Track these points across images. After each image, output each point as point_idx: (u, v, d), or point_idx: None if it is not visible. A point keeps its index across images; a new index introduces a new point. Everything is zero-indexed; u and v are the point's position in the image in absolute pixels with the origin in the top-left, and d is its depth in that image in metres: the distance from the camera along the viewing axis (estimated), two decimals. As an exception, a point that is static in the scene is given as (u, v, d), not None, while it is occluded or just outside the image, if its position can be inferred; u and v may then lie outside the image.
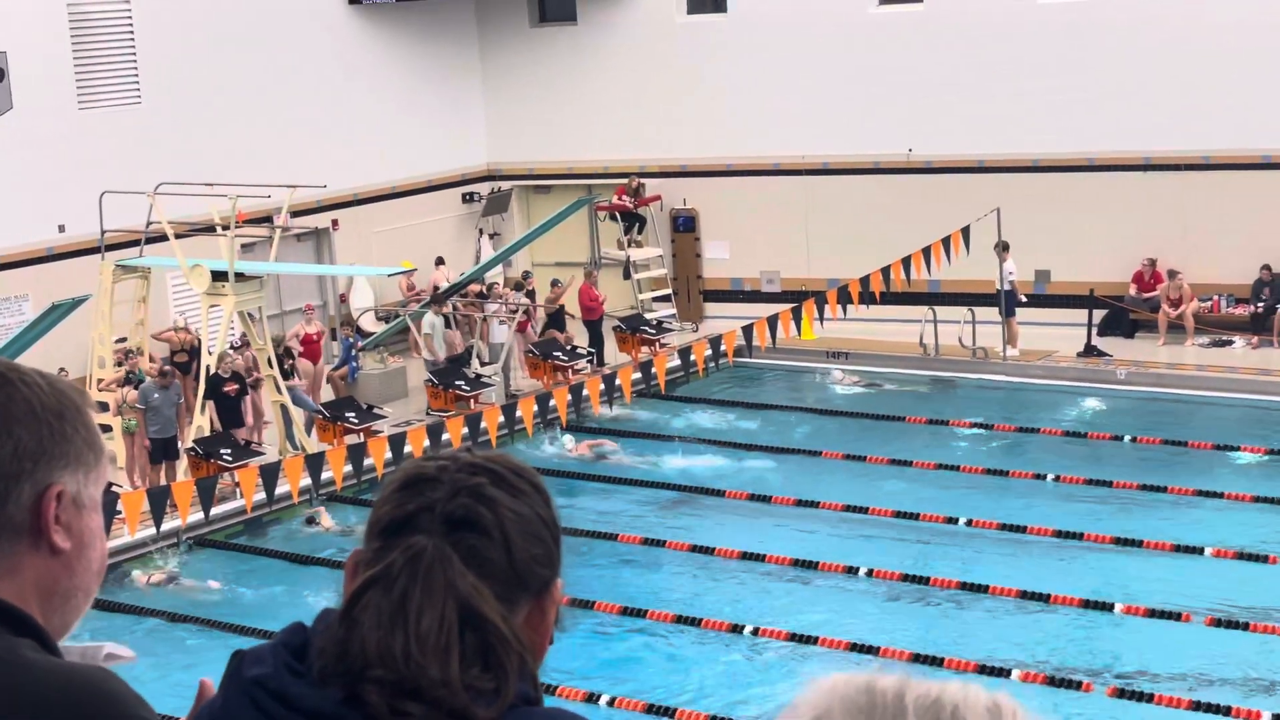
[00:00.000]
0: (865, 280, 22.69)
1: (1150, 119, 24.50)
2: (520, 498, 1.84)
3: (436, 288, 25.58)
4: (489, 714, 1.71)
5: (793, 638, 14.37)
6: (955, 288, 24.55)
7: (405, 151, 27.62)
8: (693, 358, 22.81)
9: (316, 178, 22.82)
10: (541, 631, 1.86)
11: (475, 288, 25.91)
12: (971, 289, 24.33)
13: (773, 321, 22.20)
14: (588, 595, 15.59)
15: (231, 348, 21.16)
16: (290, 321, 24.60)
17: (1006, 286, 23.98)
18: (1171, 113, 24.39)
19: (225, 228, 20.29)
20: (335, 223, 26.49)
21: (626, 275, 27.66)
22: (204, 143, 24.02)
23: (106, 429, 20.98)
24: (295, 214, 23.90)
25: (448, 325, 24.39)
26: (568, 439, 21.09)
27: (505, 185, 29.48)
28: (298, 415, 20.92)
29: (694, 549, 16.82)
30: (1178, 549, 15.91)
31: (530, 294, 26.04)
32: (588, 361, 24.47)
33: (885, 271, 22.79)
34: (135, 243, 22.06)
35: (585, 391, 21.15)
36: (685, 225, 28.43)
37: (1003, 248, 23.79)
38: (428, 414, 22.10)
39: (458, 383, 22.77)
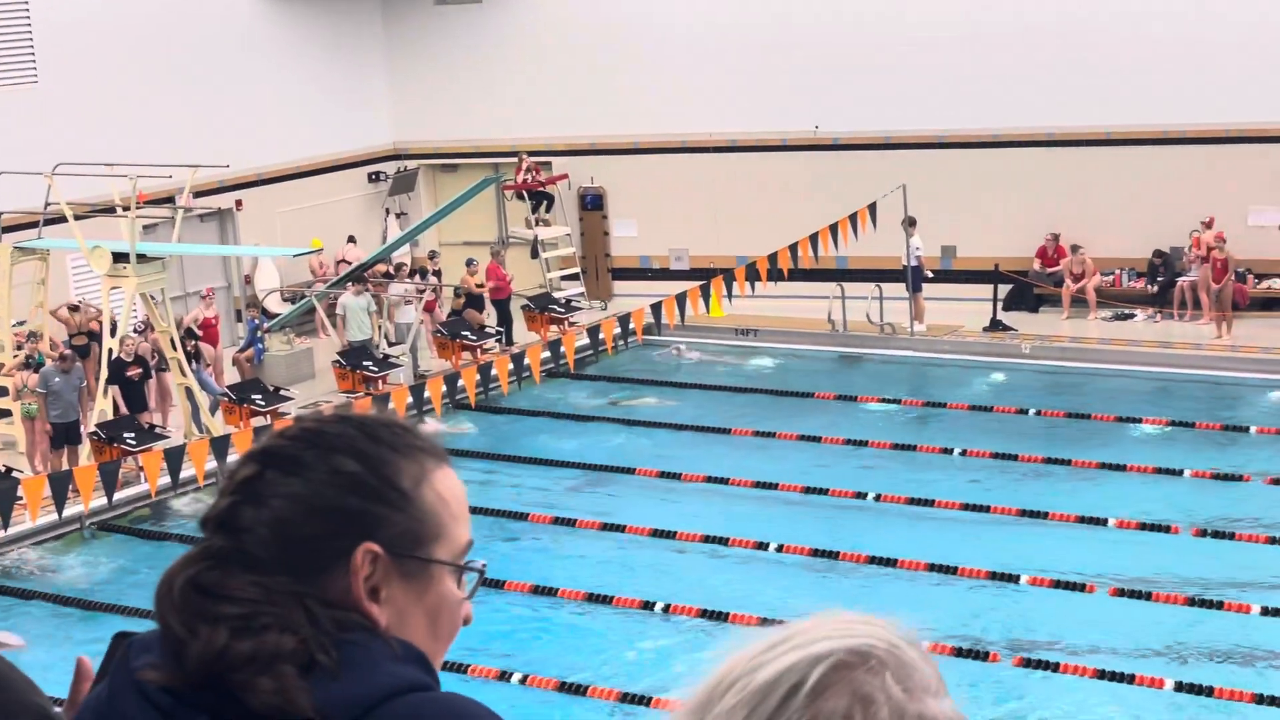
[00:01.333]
0: (773, 257, 22.75)
1: (1053, 95, 24.77)
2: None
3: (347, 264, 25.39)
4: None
5: (704, 614, 14.40)
6: (863, 264, 24.69)
7: (309, 131, 27.34)
8: (601, 336, 22.80)
9: (219, 158, 22.51)
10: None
11: (381, 267, 25.71)
12: (879, 265, 24.48)
13: (681, 299, 22.20)
14: (498, 575, 15.54)
15: (135, 331, 20.86)
16: (194, 303, 24.29)
17: (913, 262, 24.15)
18: (1073, 89, 24.66)
19: (126, 209, 19.97)
20: (239, 203, 26.17)
21: (534, 254, 27.56)
22: (103, 122, 23.63)
23: (6, 414, 20.65)
24: (198, 194, 23.57)
25: (378, 308, 24.19)
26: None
27: (411, 164, 29.27)
28: (203, 398, 20.68)
29: (605, 527, 16.81)
30: (1082, 520, 16.10)
31: (437, 274, 25.89)
32: (496, 341, 24.37)
33: (793, 248, 22.86)
34: (33, 224, 21.67)
35: (494, 371, 21.07)
36: (593, 203, 28.38)
37: (909, 223, 23.95)
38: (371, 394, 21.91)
39: (365, 363, 22.60)
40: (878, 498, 17.19)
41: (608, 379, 23.27)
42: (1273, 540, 15.30)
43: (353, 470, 1.80)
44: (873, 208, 23.43)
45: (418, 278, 25.27)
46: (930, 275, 24.68)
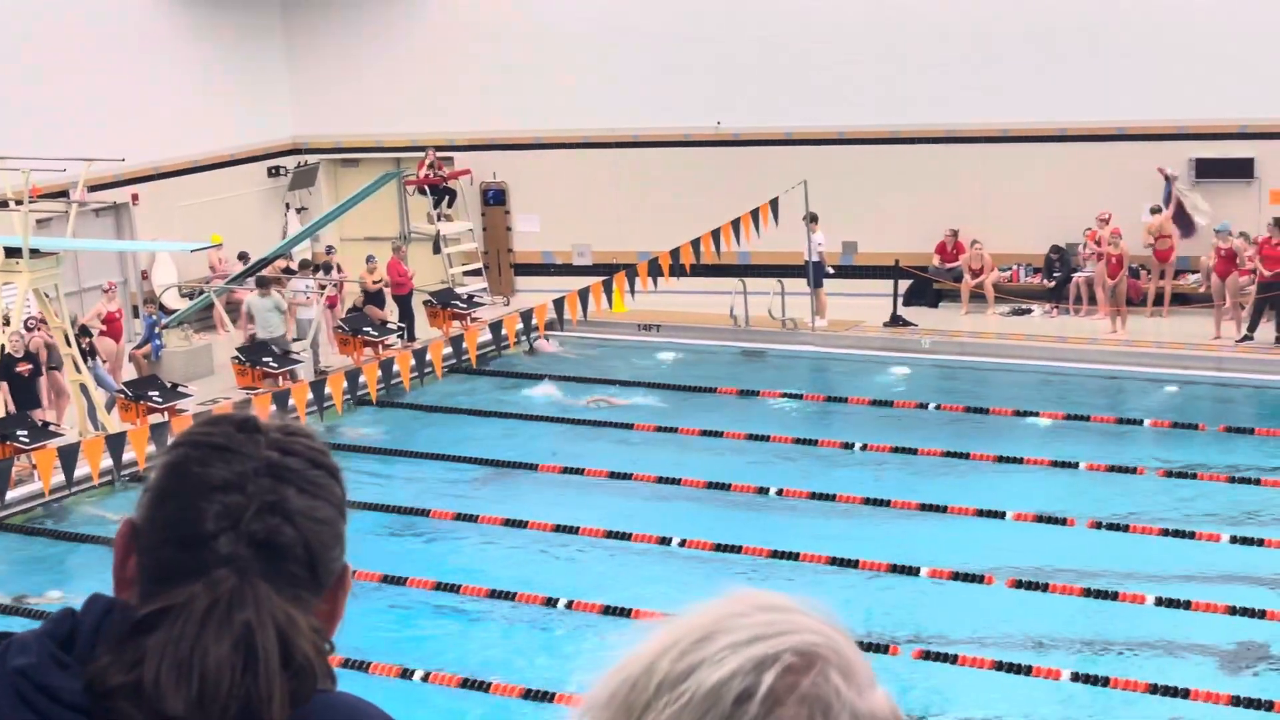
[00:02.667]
0: (676, 253, 22.80)
1: (951, 93, 25.02)
2: (319, 495, 1.80)
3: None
4: None
5: (607, 610, 14.40)
6: (764, 259, 24.81)
7: (208, 124, 27.01)
8: (504, 332, 22.73)
9: (114, 151, 22.17)
10: (335, 614, 1.83)
11: (281, 263, 25.47)
12: (780, 261, 24.61)
13: (584, 295, 22.19)
14: (400, 571, 15.46)
15: (26, 327, 20.51)
16: (90, 299, 23.93)
17: (815, 258, 24.30)
18: (971, 87, 24.93)
19: (19, 202, 19.61)
20: (135, 197, 25.80)
21: (436, 249, 27.43)
22: (-6, 114, 23.20)
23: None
24: (92, 188, 23.23)
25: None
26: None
27: (312, 159, 29.02)
28: (99, 395, 20.37)
29: (507, 523, 16.76)
30: (980, 513, 16.27)
31: (336, 268, 25.68)
32: (398, 336, 24.23)
33: (695, 244, 22.93)
34: (-77, 218, 21.25)
35: (396, 367, 20.95)
36: (495, 199, 28.29)
37: (811, 219, 24.10)
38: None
39: (265, 360, 22.38)
40: (780, 492, 17.28)
41: (510, 374, 23.21)
42: (1166, 532, 15.55)
43: (341, 490, 1.85)
44: (774, 203, 23.55)
45: (320, 273, 25.05)
46: (831, 271, 24.86)
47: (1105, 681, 12.57)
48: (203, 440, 1.80)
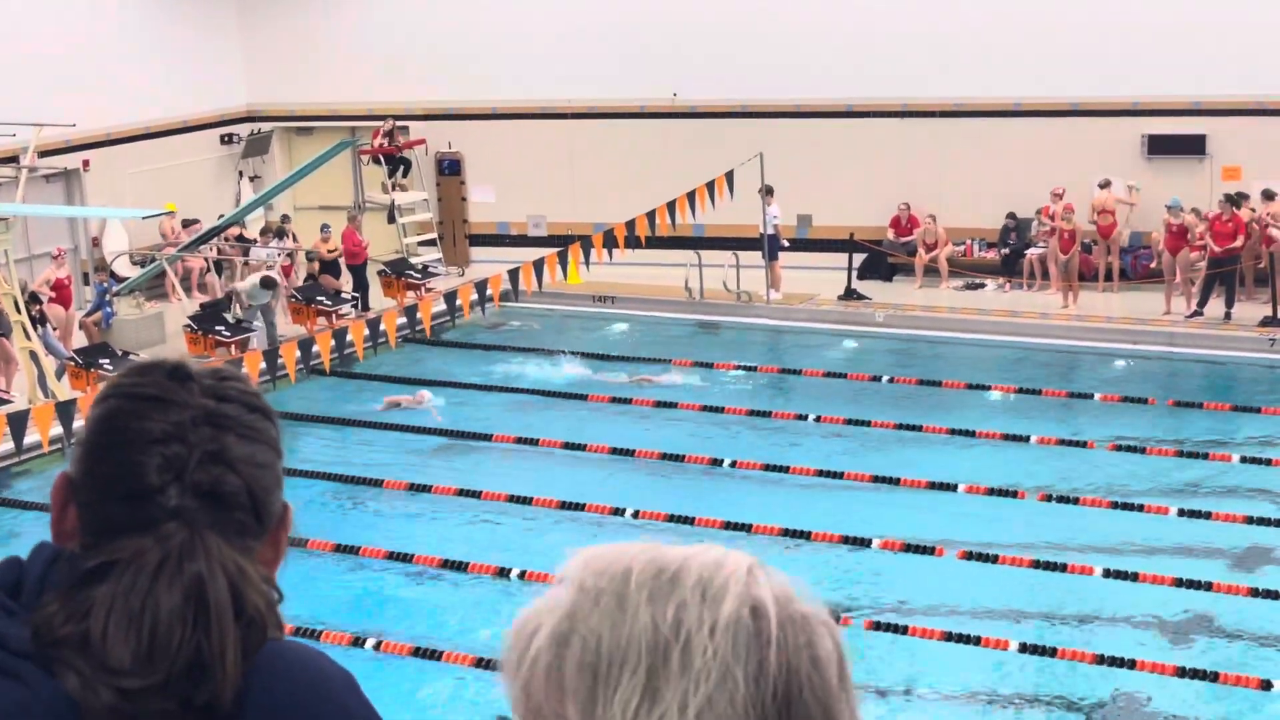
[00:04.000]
0: (631, 224, 22.80)
1: (906, 67, 25.07)
2: (258, 439, 1.80)
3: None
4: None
5: (560, 581, 14.39)
6: (719, 232, 24.83)
7: (161, 90, 26.78)
8: (458, 302, 22.68)
9: (65, 116, 21.98)
10: (279, 554, 1.83)
11: (235, 231, 25.33)
12: (735, 233, 24.63)
13: (539, 265, 22.17)
14: (353, 541, 15.45)
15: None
16: (40, 265, 23.73)
17: (770, 230, 24.34)
18: (926, 62, 24.98)
19: (-32, 167, 19.43)
20: (86, 163, 25.58)
21: (391, 219, 27.33)
22: (-56, 79, 22.95)
23: None
24: (43, 154, 23.03)
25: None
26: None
27: (265, 127, 28.83)
28: (49, 362, 20.22)
29: (461, 493, 16.75)
30: (932, 486, 16.36)
31: (291, 237, 25.56)
32: (352, 306, 24.14)
33: (651, 216, 22.92)
34: None
35: (349, 336, 20.88)
36: (450, 169, 28.19)
37: (767, 191, 24.13)
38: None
39: (217, 328, 22.26)
40: (733, 464, 17.33)
41: (464, 345, 23.17)
42: (1115, 505, 15.68)
43: (276, 431, 1.84)
44: (730, 176, 23.56)
45: (275, 241, 24.92)
46: (786, 244, 24.90)
47: (1053, 652, 12.68)
48: (134, 392, 1.78)
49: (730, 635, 1.41)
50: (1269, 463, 16.60)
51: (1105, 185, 24.10)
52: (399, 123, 27.74)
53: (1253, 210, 22.90)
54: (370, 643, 13.27)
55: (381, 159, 27.58)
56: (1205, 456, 17.05)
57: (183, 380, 1.79)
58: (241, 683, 1.68)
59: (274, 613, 1.75)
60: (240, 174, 28.34)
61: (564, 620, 1.47)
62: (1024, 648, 12.79)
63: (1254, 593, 13.43)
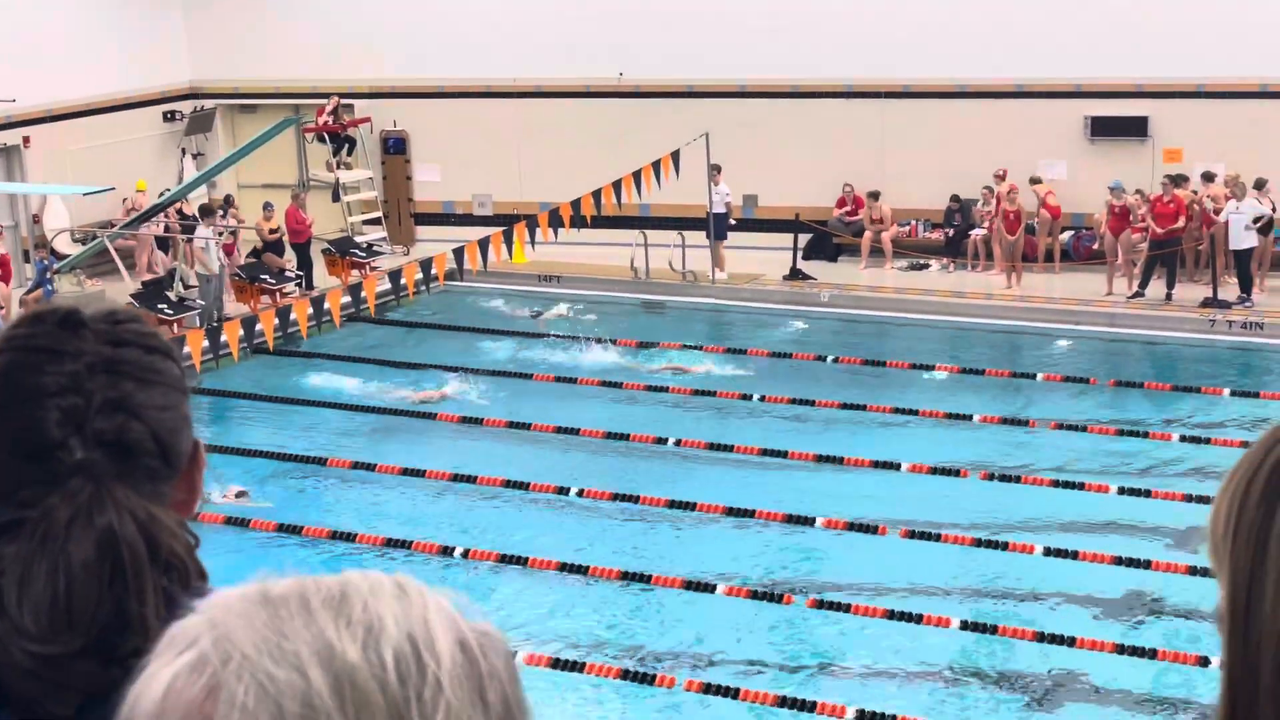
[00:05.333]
0: (577, 204, 22.77)
1: (852, 48, 25.11)
2: (159, 381, 1.76)
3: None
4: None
5: (503, 559, 14.41)
6: (665, 212, 24.83)
7: (103, 67, 26.52)
8: (403, 281, 22.61)
9: (5, 92, 21.73)
10: (193, 493, 1.79)
11: (179, 207, 25.13)
12: (681, 213, 24.64)
13: (484, 245, 22.12)
14: (296, 519, 15.39)
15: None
16: (-21, 243, 23.48)
17: (721, 209, 24.38)
18: (872, 42, 25.03)
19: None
20: (26, 140, 25.30)
21: (336, 198, 27.19)
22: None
23: None
24: (-18, 130, 22.75)
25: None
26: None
27: (209, 104, 28.61)
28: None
29: (405, 472, 16.70)
30: (876, 465, 16.43)
31: (231, 212, 25.37)
32: (296, 285, 24.00)
33: (596, 195, 22.90)
34: None
35: (293, 315, 20.77)
36: (396, 147, 28.06)
37: (715, 170, 24.16)
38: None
39: (160, 306, 22.08)
40: (678, 443, 17.35)
41: (409, 324, 23.10)
42: (1056, 483, 15.80)
43: (178, 369, 1.79)
44: (676, 156, 23.56)
45: (219, 218, 24.75)
46: (733, 223, 24.93)
47: (994, 630, 12.77)
48: (26, 344, 1.74)
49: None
50: (1208, 442, 16.75)
51: (1037, 182, 24.24)
52: (344, 101, 27.57)
53: (1194, 193, 23.08)
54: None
55: (326, 137, 27.42)
56: (1146, 436, 17.20)
57: (75, 328, 1.74)
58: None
59: (195, 559, 1.71)
60: (183, 151, 28.11)
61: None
62: (965, 625, 12.87)
63: (1193, 571, 13.55)
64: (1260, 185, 22.47)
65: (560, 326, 22.66)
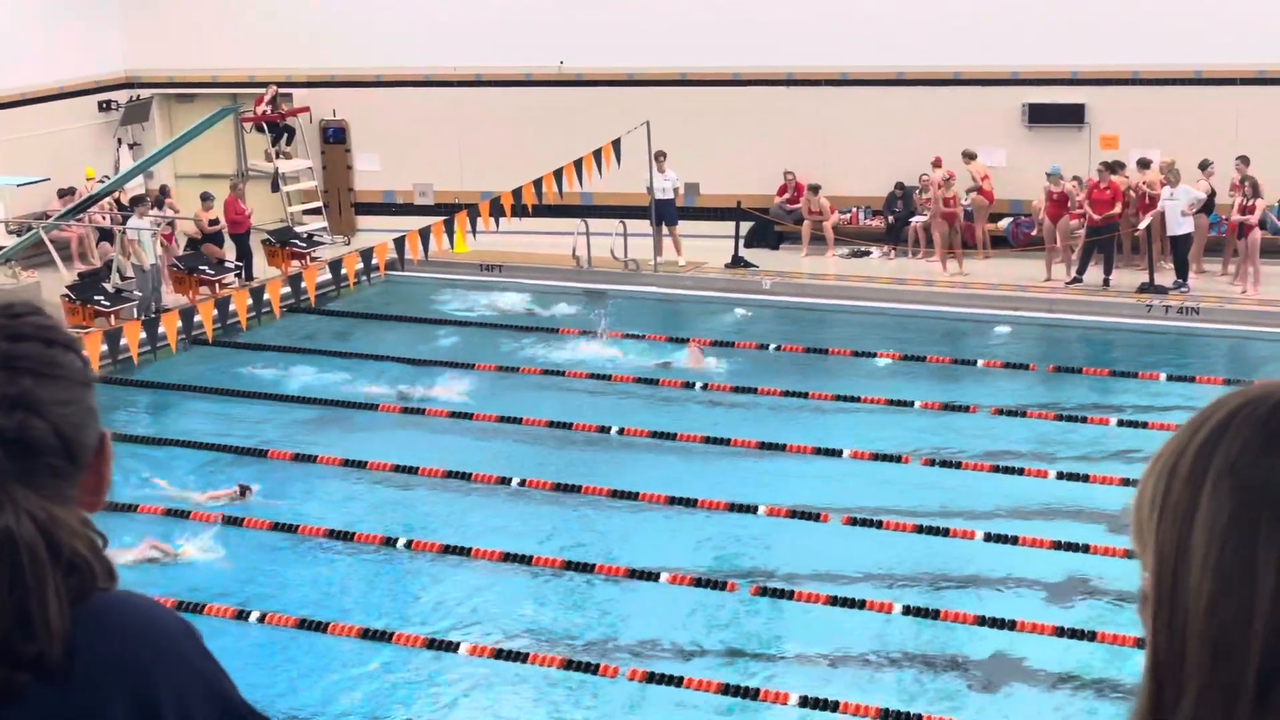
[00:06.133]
0: (518, 192, 22.73)
1: (792, 36, 25.16)
2: (61, 375, 1.72)
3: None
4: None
5: (446, 549, 14.38)
6: (607, 200, 24.80)
7: (36, 56, 26.24)
8: (344, 271, 22.50)
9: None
10: (101, 485, 1.76)
11: (116, 197, 24.89)
12: (623, 201, 24.63)
13: (425, 234, 22.04)
14: (238, 512, 15.30)
15: None
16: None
17: (669, 195, 24.40)
18: (812, 31, 25.09)
19: None
20: (-41, 130, 25.01)
21: (275, 188, 27.01)
22: None
23: None
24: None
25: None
26: None
27: (145, 93, 28.35)
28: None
29: (346, 463, 16.63)
30: (818, 452, 16.50)
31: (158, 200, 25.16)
32: (235, 275, 23.84)
33: (538, 184, 22.86)
34: None
35: (232, 306, 20.63)
36: (335, 137, 27.91)
37: (660, 157, 24.19)
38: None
39: (96, 298, 21.88)
40: (621, 431, 17.35)
41: (349, 314, 22.99)
42: (996, 469, 15.91)
43: (81, 360, 1.76)
44: (617, 144, 23.54)
45: (155, 210, 24.54)
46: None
47: (935, 614, 12.85)
48: None
49: None
50: (1145, 426, 16.90)
51: (971, 157, 24.36)
52: (282, 90, 27.40)
53: (1126, 178, 23.26)
54: (254, 615, 13.15)
55: (264, 127, 27.24)
56: (1084, 420, 17.34)
57: None
58: (72, 635, 1.64)
59: (100, 558, 1.68)
60: (119, 141, 27.86)
61: None
62: (907, 610, 12.95)
63: (1130, 554, 13.63)
64: (1204, 166, 22.72)
65: (504, 316, 22.63)
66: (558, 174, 23.01)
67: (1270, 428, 1.45)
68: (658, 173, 24.37)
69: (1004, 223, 24.73)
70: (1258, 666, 1.40)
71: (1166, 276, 22.45)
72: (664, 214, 24.39)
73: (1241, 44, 23.32)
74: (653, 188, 24.38)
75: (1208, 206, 22.65)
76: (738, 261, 24.50)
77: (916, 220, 24.81)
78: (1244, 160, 22.67)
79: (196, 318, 20.13)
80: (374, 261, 22.58)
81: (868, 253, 25.11)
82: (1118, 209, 22.90)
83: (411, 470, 16.30)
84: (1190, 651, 1.43)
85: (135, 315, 21.52)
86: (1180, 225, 22.22)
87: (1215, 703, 1.42)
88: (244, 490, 15.74)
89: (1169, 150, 23.07)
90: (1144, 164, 23.28)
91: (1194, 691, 1.42)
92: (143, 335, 19.26)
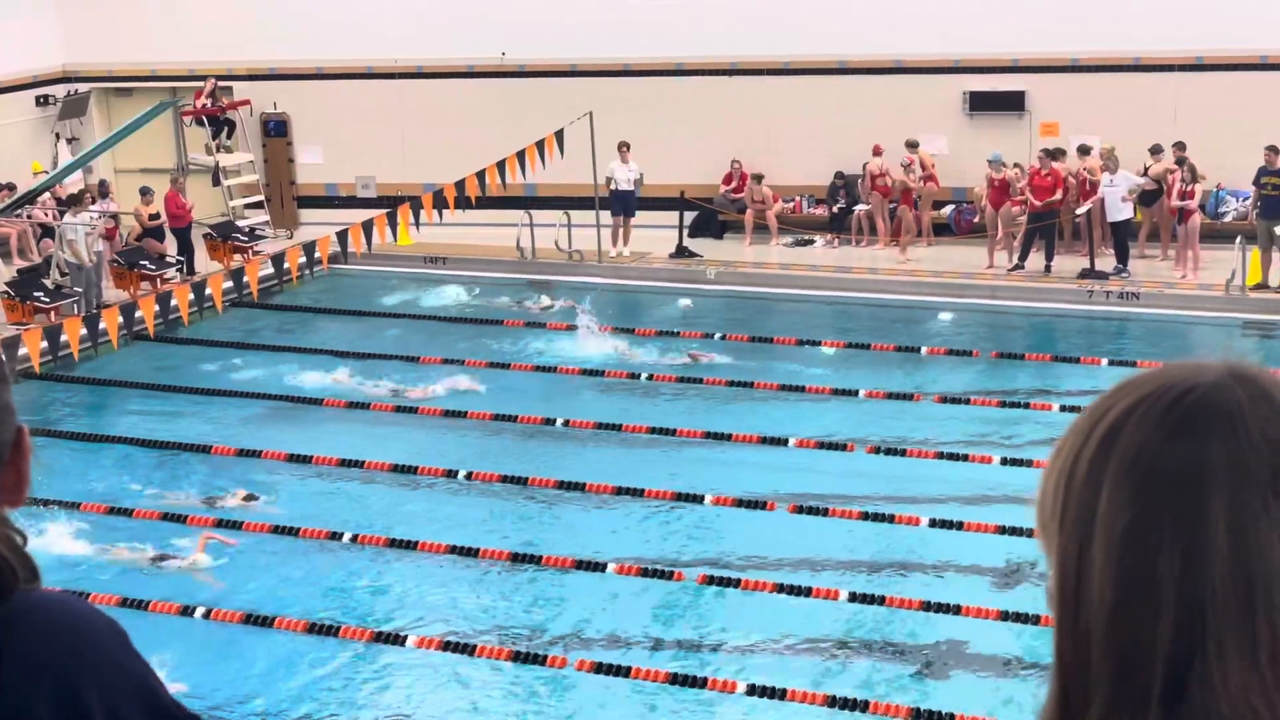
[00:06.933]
0: (461, 184, 22.65)
1: (733, 26, 25.20)
2: None
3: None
4: None
5: (392, 543, 14.33)
6: (550, 191, 24.77)
7: (-30, 51, 25.95)
8: (286, 265, 22.37)
9: None
10: (20, 482, 1.74)
11: (55, 193, 24.65)
12: (567, 192, 24.60)
13: (368, 227, 21.93)
14: (180, 509, 15.19)
15: None
16: None
17: (631, 186, 24.40)
18: (753, 20, 25.12)
19: None
20: (-107, 126, 24.70)
21: (216, 181, 26.83)
22: None
23: None
24: None
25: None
26: None
27: (82, 88, 28.09)
28: None
29: (291, 458, 16.54)
30: (764, 440, 16.53)
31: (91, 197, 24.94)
32: (177, 270, 23.67)
33: (481, 175, 22.79)
34: None
35: (174, 301, 20.48)
36: (276, 130, 27.74)
37: (624, 147, 24.23)
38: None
39: (35, 294, 21.68)
40: (566, 423, 17.34)
41: (292, 309, 22.86)
42: (941, 455, 15.98)
43: (3, 364, 1.75)
44: (560, 135, 23.51)
45: (97, 204, 24.33)
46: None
47: (882, 600, 12.91)
48: None
49: None
50: (1088, 411, 16.99)
51: (914, 146, 24.47)
52: (222, 83, 27.20)
53: (1066, 166, 23.41)
54: (199, 611, 13.07)
55: (204, 120, 27.04)
56: (1027, 406, 17.44)
57: None
58: None
59: (21, 556, 1.66)
60: (57, 136, 27.59)
61: None
62: (854, 597, 13.00)
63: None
64: (1156, 151, 22.86)
65: (449, 309, 22.57)
66: (501, 165, 22.95)
67: (1172, 419, 1.41)
68: (621, 164, 24.40)
69: (947, 210, 24.85)
70: (1164, 673, 1.36)
71: (1107, 262, 22.62)
72: (626, 205, 24.42)
73: (1179, 31, 23.51)
74: (616, 179, 24.40)
75: (1151, 196, 22.83)
76: (682, 251, 24.52)
77: (860, 208, 24.90)
78: (1180, 146, 22.88)
79: (138, 313, 19.97)
80: (317, 255, 22.46)
81: (811, 241, 25.18)
82: (1059, 195, 23.05)
83: (357, 464, 16.23)
84: (1095, 657, 1.39)
85: (75, 311, 21.32)
86: (1120, 211, 22.39)
87: (1123, 709, 1.38)
88: (249, 498, 15.52)
89: (1108, 137, 23.24)
90: (1084, 150, 23.45)
91: (1101, 697, 1.39)
92: (83, 331, 19.09)
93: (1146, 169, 23.07)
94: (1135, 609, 1.37)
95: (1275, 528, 1.36)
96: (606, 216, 24.44)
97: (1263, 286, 21.40)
